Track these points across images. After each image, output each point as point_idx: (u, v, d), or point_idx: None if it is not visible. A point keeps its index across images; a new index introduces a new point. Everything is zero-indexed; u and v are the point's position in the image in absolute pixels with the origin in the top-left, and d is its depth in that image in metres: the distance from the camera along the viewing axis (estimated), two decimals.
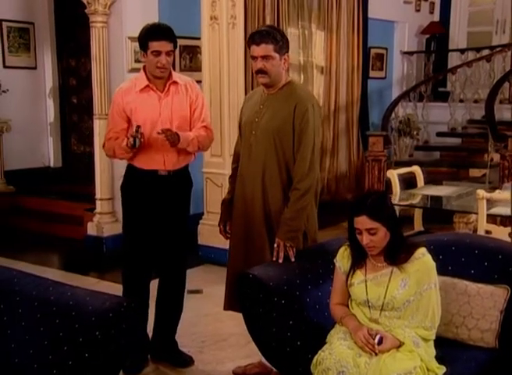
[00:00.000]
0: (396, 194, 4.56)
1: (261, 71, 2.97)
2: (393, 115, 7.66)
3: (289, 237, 2.92)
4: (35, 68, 7.38)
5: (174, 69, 6.00)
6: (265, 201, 3.05)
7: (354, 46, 7.86)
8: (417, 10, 9.58)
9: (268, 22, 6.65)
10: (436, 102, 8.58)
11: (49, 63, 7.47)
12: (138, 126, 3.10)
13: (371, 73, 8.67)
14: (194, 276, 4.91)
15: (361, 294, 2.53)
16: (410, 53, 9.26)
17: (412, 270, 2.47)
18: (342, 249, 2.63)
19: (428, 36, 9.53)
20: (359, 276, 2.56)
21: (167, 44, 3.16)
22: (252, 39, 2.97)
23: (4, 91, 6.78)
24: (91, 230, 5.76)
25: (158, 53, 3.14)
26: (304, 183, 2.94)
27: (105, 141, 3.33)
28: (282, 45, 2.95)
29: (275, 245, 2.92)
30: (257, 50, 2.95)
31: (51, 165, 7.59)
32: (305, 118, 2.93)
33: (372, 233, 2.43)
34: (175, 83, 3.29)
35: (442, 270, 2.78)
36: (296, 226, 2.95)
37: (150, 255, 3.39)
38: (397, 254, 2.49)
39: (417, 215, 4.78)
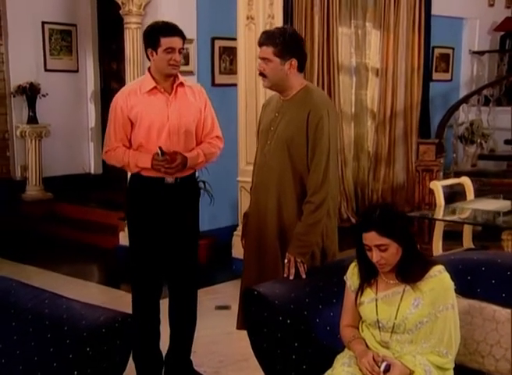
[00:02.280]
0: (440, 208, 4.44)
1: (261, 74, 3.02)
2: (455, 121, 7.47)
3: (300, 252, 2.90)
4: (77, 71, 7.66)
5: (214, 72, 6.18)
6: (280, 214, 3.04)
7: (415, 46, 7.73)
8: (491, 5, 9.33)
9: (316, 21, 6.67)
10: (505, 106, 8.31)
11: (91, 66, 7.73)
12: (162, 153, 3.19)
13: (435, 75, 8.51)
14: (225, 291, 4.95)
15: (371, 313, 2.49)
16: (481, 53, 9.01)
17: (426, 289, 2.41)
18: (352, 265, 2.59)
19: (502, 33, 9.26)
20: (369, 294, 2.51)
21: (179, 41, 3.23)
22: (259, 40, 3.00)
23: (43, 95, 7.04)
24: (123, 239, 5.88)
25: (171, 50, 3.19)
26: (317, 196, 2.91)
27: (107, 151, 3.37)
28: (283, 49, 2.93)
29: (286, 261, 2.91)
30: (260, 52, 3.00)
31: (92, 171, 7.81)
32: (319, 126, 2.91)
33: (383, 249, 2.38)
34: (181, 84, 3.34)
35: (469, 292, 2.71)
36: (308, 242, 2.93)
37: (158, 270, 3.43)
38: (410, 270, 2.43)
39: (467, 231, 4.64)
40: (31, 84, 6.96)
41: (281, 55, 2.94)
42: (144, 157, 3.27)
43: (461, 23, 8.91)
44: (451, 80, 8.84)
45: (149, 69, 3.35)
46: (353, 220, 7.10)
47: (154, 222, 3.35)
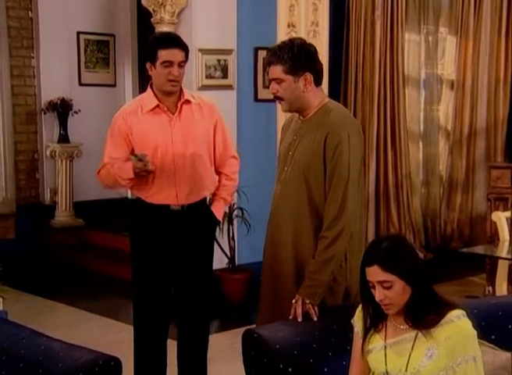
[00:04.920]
0: (504, 244, 4.33)
1: (275, 97, 3.04)
2: None
3: (309, 293, 2.90)
4: (114, 85, 7.92)
5: (256, 85, 6.27)
6: (296, 250, 3.06)
7: (500, 54, 7.60)
8: None
9: (378, 26, 6.70)
10: None
11: (129, 80, 7.97)
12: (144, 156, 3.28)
13: None
14: None
15: (380, 364, 2.46)
16: None
17: (442, 337, 2.36)
18: (360, 308, 2.58)
19: None
20: (378, 341, 2.49)
21: (179, 54, 3.31)
22: (265, 59, 3.05)
23: (76, 112, 7.32)
24: None
25: (169, 64, 3.28)
26: (331, 231, 2.92)
27: (100, 168, 3.49)
28: (293, 65, 2.95)
29: (293, 301, 2.92)
30: (269, 72, 3.02)
31: (129, 196, 7.99)
32: (338, 151, 2.91)
33: (386, 286, 2.36)
34: (187, 102, 3.43)
35: (509, 344, 2.67)
36: (318, 281, 2.93)
37: (164, 308, 3.51)
38: (422, 314, 2.39)
39: None
40: (63, 100, 7.23)
41: (292, 71, 2.96)
42: (124, 166, 3.35)
43: None
44: None
45: (151, 85, 3.45)
46: (421, 255, 7.01)
47: (158, 254, 3.43)
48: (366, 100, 6.67)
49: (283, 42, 3.05)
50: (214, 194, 3.63)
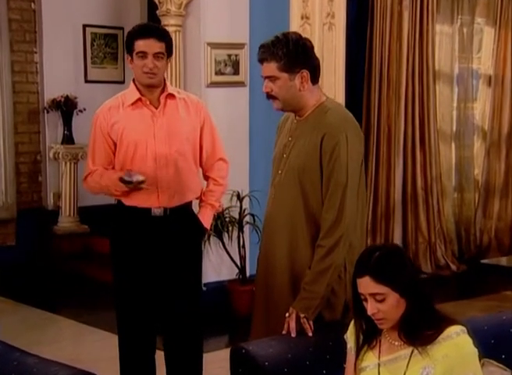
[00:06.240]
0: None
1: (269, 95, 3.05)
2: None
3: (303, 306, 2.93)
4: (123, 82, 7.96)
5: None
6: (291, 261, 3.09)
7: None
8: None
9: (406, 17, 6.72)
10: None
11: None
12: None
13: None
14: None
15: None
16: None
17: (439, 355, 2.36)
18: (353, 322, 2.61)
19: None
20: (371, 358, 2.51)
21: (155, 44, 3.34)
22: (258, 55, 3.06)
23: (80, 111, 7.40)
24: None
25: (143, 54, 3.33)
26: (329, 240, 2.95)
27: (85, 177, 3.55)
28: (289, 61, 2.97)
29: (287, 314, 2.95)
30: (262, 69, 3.04)
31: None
32: (335, 153, 2.94)
33: (379, 299, 2.38)
34: (171, 96, 3.47)
35: None
36: (314, 293, 2.95)
37: (149, 321, 3.56)
38: (418, 330, 2.40)
39: None
40: (67, 98, 7.32)
41: (288, 68, 2.98)
42: (117, 181, 3.39)
43: None
44: None
45: (134, 79, 3.51)
46: (454, 267, 6.99)
47: (140, 262, 3.49)
48: (392, 97, 6.67)
49: (277, 37, 3.05)
50: (200, 200, 3.67)
